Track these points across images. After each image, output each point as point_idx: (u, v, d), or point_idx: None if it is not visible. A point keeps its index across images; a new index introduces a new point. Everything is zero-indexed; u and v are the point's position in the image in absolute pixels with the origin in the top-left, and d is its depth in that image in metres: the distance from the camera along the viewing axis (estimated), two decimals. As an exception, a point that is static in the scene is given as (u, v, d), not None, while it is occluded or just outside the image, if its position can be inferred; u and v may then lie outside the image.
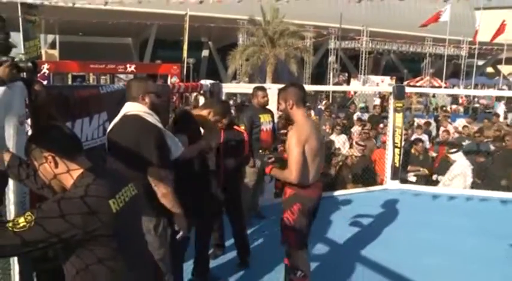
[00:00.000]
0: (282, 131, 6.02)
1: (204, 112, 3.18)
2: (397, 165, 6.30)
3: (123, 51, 32.78)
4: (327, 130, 8.46)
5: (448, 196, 6.00)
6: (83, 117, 2.73)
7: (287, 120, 6.15)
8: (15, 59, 2.14)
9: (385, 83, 28.41)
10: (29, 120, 2.26)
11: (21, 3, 11.41)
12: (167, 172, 2.30)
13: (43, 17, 17.88)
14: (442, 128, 8.73)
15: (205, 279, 3.38)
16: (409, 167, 6.83)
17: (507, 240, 4.24)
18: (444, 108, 15.20)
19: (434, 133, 9.57)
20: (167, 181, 2.26)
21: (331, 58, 31.26)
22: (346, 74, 32.59)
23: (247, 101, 12.98)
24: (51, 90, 2.51)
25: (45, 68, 15.88)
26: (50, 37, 33.46)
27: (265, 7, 25.13)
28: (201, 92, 4.89)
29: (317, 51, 33.50)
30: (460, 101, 26.26)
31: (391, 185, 6.32)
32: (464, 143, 7.45)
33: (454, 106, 23.40)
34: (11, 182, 2.08)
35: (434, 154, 7.47)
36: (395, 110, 6.28)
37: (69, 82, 19.74)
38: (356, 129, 8.45)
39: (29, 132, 2.18)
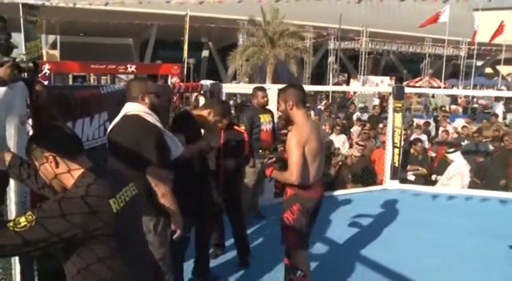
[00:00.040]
0: (282, 131, 6.02)
1: (204, 112, 3.18)
2: (396, 165, 6.31)
3: (123, 51, 32.76)
4: (327, 130, 8.46)
5: (447, 195, 6.01)
6: (84, 118, 2.74)
7: (287, 121, 6.15)
8: (17, 60, 2.15)
9: (384, 84, 28.40)
10: (30, 121, 2.27)
11: (23, 4, 11.44)
12: (167, 172, 2.31)
13: (44, 17, 17.92)
14: (441, 128, 8.73)
15: (206, 278, 3.39)
16: (408, 167, 6.85)
17: (506, 240, 4.25)
18: (443, 108, 15.15)
19: (433, 133, 9.58)
20: (167, 181, 2.27)
21: (331, 58, 31.28)
22: (346, 75, 32.58)
23: (247, 101, 12.97)
24: (52, 90, 2.51)
25: (46, 69, 15.92)
26: (51, 37, 33.39)
27: (265, 8, 25.15)
28: (201, 92, 4.89)
29: (317, 51, 33.51)
30: (459, 101, 26.29)
31: (390, 185, 6.32)
32: (463, 143, 7.47)
33: (453, 106, 23.46)
34: (12, 182, 2.08)
35: (433, 154, 7.48)
36: (395, 110, 6.29)
37: (70, 82, 19.71)
38: (355, 129, 8.46)
39: (30, 133, 2.19)
